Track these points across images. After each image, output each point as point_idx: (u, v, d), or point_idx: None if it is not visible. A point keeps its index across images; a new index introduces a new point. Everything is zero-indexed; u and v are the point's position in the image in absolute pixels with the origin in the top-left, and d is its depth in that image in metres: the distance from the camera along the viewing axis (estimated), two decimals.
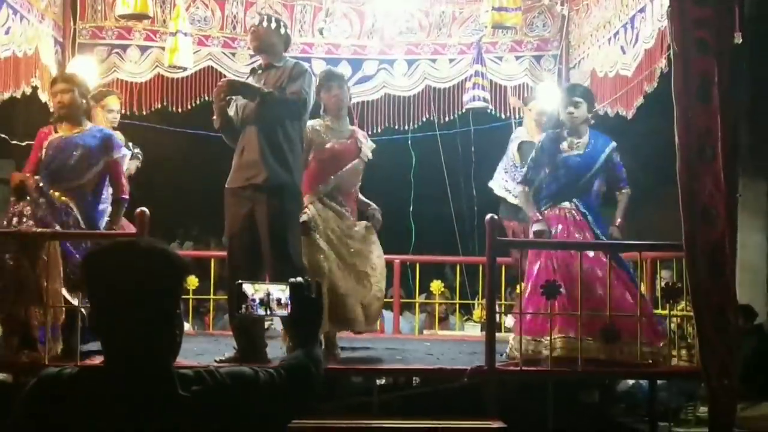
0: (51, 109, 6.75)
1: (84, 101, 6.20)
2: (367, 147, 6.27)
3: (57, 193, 5.91)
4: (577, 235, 6.01)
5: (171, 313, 2.20)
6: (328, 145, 6.09)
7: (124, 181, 6.18)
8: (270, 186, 5.62)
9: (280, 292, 2.48)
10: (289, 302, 2.46)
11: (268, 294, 2.48)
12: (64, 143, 6.07)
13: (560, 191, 6.19)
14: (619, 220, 6.22)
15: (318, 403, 5.04)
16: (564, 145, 6.22)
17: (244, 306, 2.48)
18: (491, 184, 7.76)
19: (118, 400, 2.09)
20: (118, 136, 6.58)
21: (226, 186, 5.80)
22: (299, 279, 2.51)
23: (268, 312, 2.50)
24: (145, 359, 2.14)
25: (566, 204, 6.12)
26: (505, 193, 7.44)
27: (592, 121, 6.34)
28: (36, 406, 2.13)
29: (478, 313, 8.32)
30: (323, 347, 5.86)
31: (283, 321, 5.25)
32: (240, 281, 2.50)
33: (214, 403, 2.17)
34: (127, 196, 6.15)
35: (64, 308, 5.58)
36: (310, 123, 6.03)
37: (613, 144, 6.25)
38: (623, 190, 6.31)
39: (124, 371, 2.13)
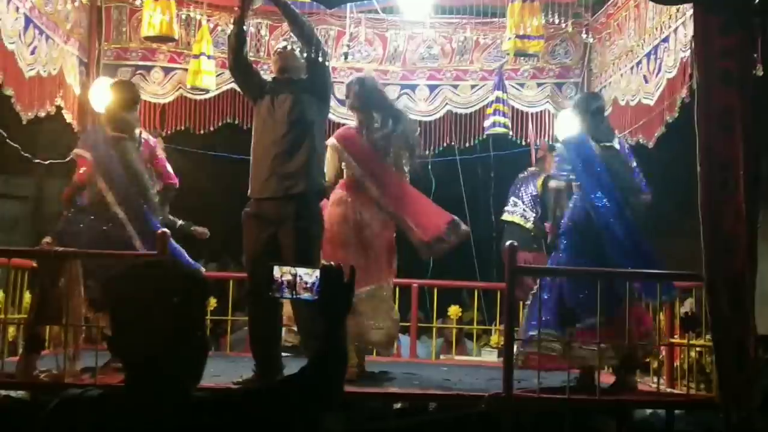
0: (75, 129, 6.89)
1: None
2: None
3: None
4: None
5: (193, 333, 2.20)
6: None
7: None
8: (307, 197, 5.69)
9: (307, 275, 2.46)
10: (318, 287, 2.45)
11: (296, 276, 2.46)
12: None
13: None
14: None
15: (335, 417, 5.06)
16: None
17: (272, 288, 2.48)
18: (505, 216, 7.79)
19: (137, 425, 2.09)
20: None
21: (249, 198, 5.82)
22: (332, 262, 2.50)
23: (294, 295, 2.47)
24: (165, 381, 2.14)
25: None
26: (523, 220, 7.43)
27: None
28: (56, 427, 2.14)
29: (495, 338, 8.31)
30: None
31: (307, 314, 5.31)
32: (272, 263, 2.50)
33: (232, 426, 2.16)
34: None
35: (84, 327, 5.61)
36: None
37: None
38: None
39: (144, 396, 2.13)
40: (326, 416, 2.39)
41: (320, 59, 5.79)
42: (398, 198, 6.19)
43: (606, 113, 7.40)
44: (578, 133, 6.27)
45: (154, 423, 2.09)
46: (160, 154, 6.74)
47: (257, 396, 2.34)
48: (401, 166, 6.28)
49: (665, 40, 6.52)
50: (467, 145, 8.66)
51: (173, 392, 2.15)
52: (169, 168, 6.74)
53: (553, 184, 6.39)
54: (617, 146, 6.18)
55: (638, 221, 6.06)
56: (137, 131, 6.49)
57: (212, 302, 8.06)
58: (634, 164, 6.20)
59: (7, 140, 6.91)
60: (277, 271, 2.47)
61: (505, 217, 7.84)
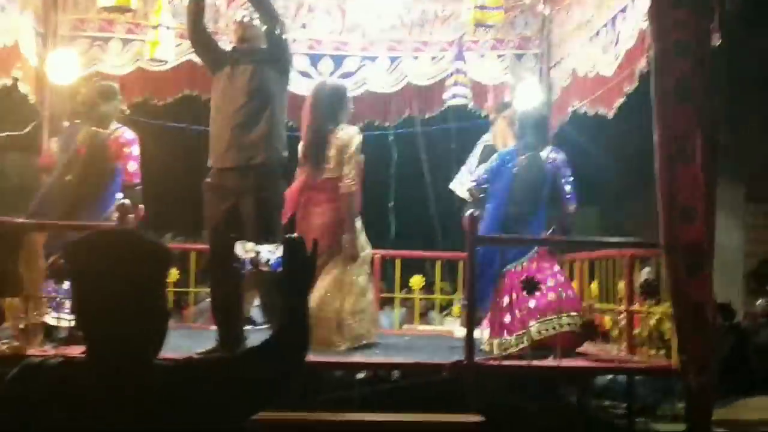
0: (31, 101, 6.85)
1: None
2: None
3: None
4: None
5: (154, 304, 2.20)
6: None
7: None
8: (267, 167, 5.67)
9: (269, 252, 2.47)
10: (281, 260, 2.44)
11: (258, 252, 2.47)
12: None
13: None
14: None
15: (298, 393, 5.07)
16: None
17: (235, 263, 2.49)
18: (452, 185, 7.80)
19: (98, 392, 2.09)
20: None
21: (211, 168, 5.80)
22: (295, 235, 2.51)
23: (257, 269, 2.48)
24: (126, 351, 2.14)
25: None
26: (465, 193, 7.44)
27: None
28: (17, 395, 2.13)
29: (457, 309, 8.36)
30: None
31: (268, 287, 5.33)
32: (233, 236, 2.52)
33: (193, 390, 2.17)
34: None
35: (45, 299, 5.59)
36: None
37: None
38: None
39: (105, 364, 2.13)
40: (287, 387, 2.38)
41: (278, 30, 5.77)
42: None
43: (562, 89, 7.47)
44: (511, 147, 6.62)
45: (116, 389, 2.10)
46: (132, 151, 6.61)
47: (218, 364, 2.35)
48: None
49: (623, 10, 6.54)
50: (427, 116, 8.67)
51: (134, 361, 2.15)
52: (134, 167, 6.60)
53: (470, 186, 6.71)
54: (546, 156, 6.34)
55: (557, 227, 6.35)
56: (113, 126, 6.54)
57: (174, 274, 8.04)
58: (568, 174, 6.35)
59: None
60: (239, 249, 2.48)
61: (459, 193, 7.83)
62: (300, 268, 2.42)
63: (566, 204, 6.34)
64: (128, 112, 7.32)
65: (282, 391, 2.37)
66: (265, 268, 2.47)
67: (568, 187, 6.34)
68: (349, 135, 6.19)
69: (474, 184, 6.56)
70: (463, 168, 7.84)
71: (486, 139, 7.75)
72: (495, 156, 6.64)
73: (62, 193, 6.29)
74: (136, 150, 6.62)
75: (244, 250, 2.49)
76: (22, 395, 2.11)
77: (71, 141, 6.51)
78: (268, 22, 5.76)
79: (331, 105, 6.27)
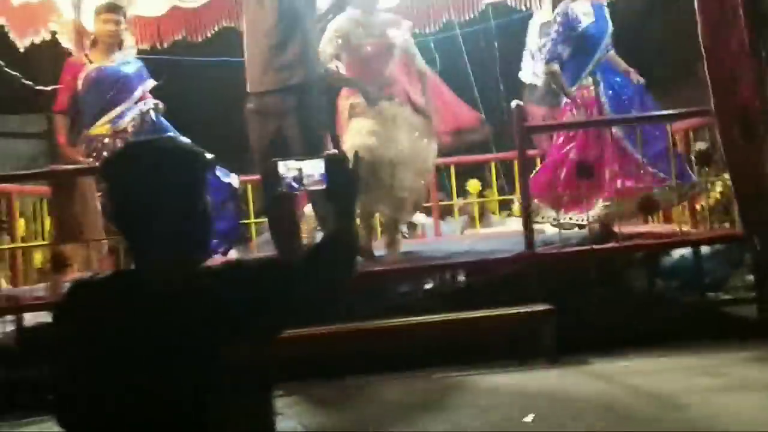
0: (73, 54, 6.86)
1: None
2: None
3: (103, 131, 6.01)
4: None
5: (195, 206, 2.19)
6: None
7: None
8: (306, 86, 5.62)
9: (312, 168, 2.46)
10: (324, 177, 2.45)
11: (300, 170, 2.47)
12: (102, 75, 6.14)
13: (584, 65, 6.10)
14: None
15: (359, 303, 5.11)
16: (579, 14, 6.08)
17: (280, 185, 2.48)
18: (521, 74, 7.63)
19: (148, 297, 2.10)
20: None
21: (248, 94, 5.76)
22: (334, 151, 2.50)
23: (302, 188, 2.48)
24: (171, 256, 2.15)
25: (589, 80, 6.02)
26: (534, 77, 7.28)
27: None
28: (71, 309, 2.16)
29: (517, 207, 8.30)
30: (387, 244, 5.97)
31: (319, 200, 5.33)
32: (275, 159, 2.50)
33: (244, 291, 2.18)
34: None
35: (105, 241, 5.67)
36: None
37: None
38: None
39: (152, 270, 2.15)
40: (337, 296, 2.39)
41: None
42: None
43: None
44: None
45: (163, 295, 2.11)
46: None
47: (267, 265, 2.35)
48: None
49: None
50: (467, 18, 8.50)
51: (180, 265, 2.16)
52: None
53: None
54: None
55: None
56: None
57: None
58: None
59: (5, 68, 6.87)
60: (282, 167, 2.46)
61: (526, 79, 7.65)
62: (343, 182, 2.43)
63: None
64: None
65: (331, 300, 2.38)
66: (311, 184, 2.46)
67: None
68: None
69: (548, 57, 6.26)
70: (524, 54, 7.66)
71: (537, 19, 7.55)
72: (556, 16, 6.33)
73: None
74: None
75: (286, 168, 2.47)
76: (75, 311, 2.14)
77: None
78: None
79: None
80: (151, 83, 6.30)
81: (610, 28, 6.04)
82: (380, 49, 5.97)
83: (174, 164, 2.16)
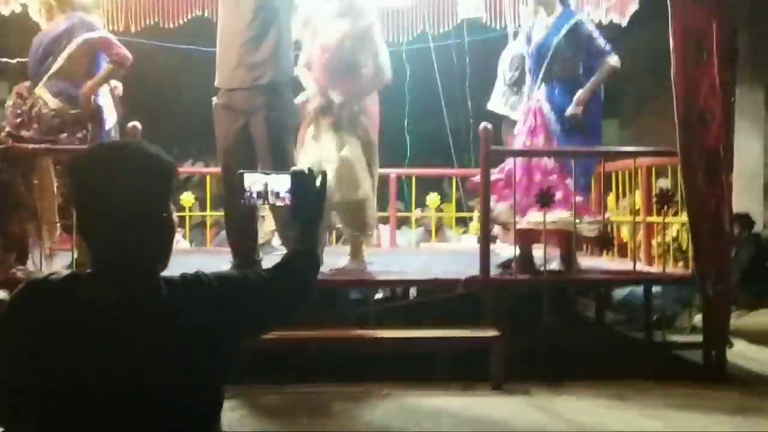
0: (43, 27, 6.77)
1: None
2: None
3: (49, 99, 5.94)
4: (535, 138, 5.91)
5: (159, 215, 2.16)
6: None
7: (121, 50, 6.13)
8: (276, 86, 5.58)
9: (278, 183, 2.44)
10: (290, 193, 2.43)
11: (266, 185, 2.44)
12: (37, 41, 6.19)
13: (531, 80, 6.02)
14: (580, 93, 5.77)
15: (313, 310, 5.08)
16: (535, 30, 6.04)
17: (243, 198, 2.46)
18: (490, 106, 7.60)
19: (104, 303, 2.06)
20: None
21: (218, 89, 5.71)
22: (302, 167, 2.48)
23: (266, 203, 2.46)
24: (132, 262, 2.11)
25: (535, 94, 5.97)
26: (508, 110, 7.23)
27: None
28: (24, 308, 2.11)
29: (475, 226, 8.33)
30: (351, 255, 5.91)
31: (282, 215, 5.30)
32: (242, 171, 2.47)
33: (201, 303, 2.15)
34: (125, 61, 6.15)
35: (58, 224, 5.59)
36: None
37: (576, 17, 5.97)
38: (607, 59, 5.82)
39: (111, 275, 2.11)
40: (297, 308, 2.38)
41: None
42: None
43: None
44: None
45: (122, 301, 2.07)
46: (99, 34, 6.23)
47: (228, 279, 2.32)
48: None
49: None
50: (441, 31, 8.51)
51: (141, 273, 2.12)
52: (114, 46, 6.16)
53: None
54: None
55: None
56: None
57: (189, 200, 8.09)
58: (595, 30, 5.97)
59: None
60: (247, 180, 2.44)
61: (498, 111, 7.59)
62: (309, 200, 2.42)
63: (607, 57, 5.83)
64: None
65: (291, 312, 2.37)
66: (275, 201, 2.44)
67: (601, 42, 5.87)
68: None
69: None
70: (496, 84, 7.65)
71: (509, 51, 7.54)
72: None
73: None
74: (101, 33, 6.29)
75: (251, 181, 2.44)
76: (29, 309, 2.09)
77: None
78: None
79: None
80: (92, 35, 6.16)
81: (557, 39, 5.94)
82: (346, 37, 5.83)
83: (141, 170, 2.13)
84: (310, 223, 2.44)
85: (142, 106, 6.51)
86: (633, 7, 6.66)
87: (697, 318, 6.24)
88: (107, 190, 2.09)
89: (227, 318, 2.17)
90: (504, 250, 6.30)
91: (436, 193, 8.47)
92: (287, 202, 2.42)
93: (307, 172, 2.44)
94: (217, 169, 6.77)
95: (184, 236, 8.31)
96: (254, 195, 2.44)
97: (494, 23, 8.27)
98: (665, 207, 5.70)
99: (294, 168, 2.47)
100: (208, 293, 2.17)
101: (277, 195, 2.43)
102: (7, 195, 5.52)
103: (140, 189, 2.10)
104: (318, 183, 2.44)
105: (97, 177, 2.10)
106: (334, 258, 5.86)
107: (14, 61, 7.45)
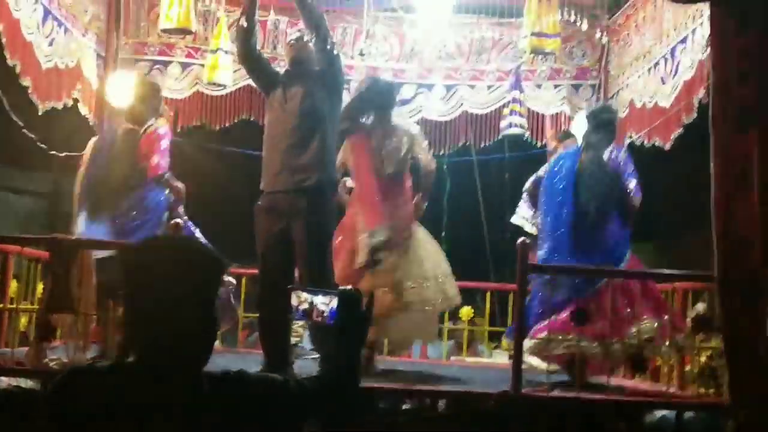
0: (91, 122, 6.96)
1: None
2: None
3: None
4: None
5: (206, 312, 2.18)
6: None
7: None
8: (319, 190, 5.68)
9: (324, 304, 2.43)
10: (335, 313, 2.41)
11: (312, 304, 2.44)
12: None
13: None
14: None
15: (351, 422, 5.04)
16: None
17: (290, 313, 2.47)
18: (514, 220, 7.65)
19: (146, 399, 2.08)
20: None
21: (262, 192, 5.82)
22: (351, 289, 2.47)
23: (310, 321, 2.47)
24: (176, 356, 2.13)
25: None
26: (522, 221, 7.28)
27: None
28: (64, 400, 2.12)
29: (506, 342, 8.25)
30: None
31: (322, 334, 5.30)
32: (291, 286, 2.49)
33: (241, 404, 2.15)
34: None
35: (95, 316, 5.62)
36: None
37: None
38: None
39: (154, 371, 2.11)
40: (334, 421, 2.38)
41: (329, 47, 5.78)
42: None
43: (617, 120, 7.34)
44: (570, 150, 6.46)
45: (164, 396, 2.08)
46: (161, 145, 6.21)
47: (268, 382, 2.32)
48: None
49: (683, 41, 6.49)
50: (483, 145, 8.63)
51: (183, 369, 2.14)
52: (156, 160, 6.15)
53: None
54: (608, 155, 6.13)
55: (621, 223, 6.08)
56: (149, 122, 6.30)
57: None
58: (631, 170, 6.10)
59: (23, 129, 6.90)
60: (294, 299, 2.46)
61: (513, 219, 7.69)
62: (355, 322, 2.43)
63: (630, 199, 6.02)
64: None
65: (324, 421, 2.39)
66: (319, 319, 2.45)
67: (632, 183, 6.03)
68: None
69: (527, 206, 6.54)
70: (521, 202, 7.71)
71: (541, 172, 7.61)
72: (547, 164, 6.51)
73: (89, 190, 6.26)
74: (164, 143, 6.25)
75: (298, 299, 2.46)
76: (70, 400, 2.11)
77: (107, 139, 6.48)
78: (319, 38, 5.77)
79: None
80: None
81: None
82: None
83: (191, 265, 2.16)
84: (352, 346, 2.45)
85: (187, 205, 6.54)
86: (677, 131, 6.69)
87: None
88: (158, 283, 2.12)
89: (265, 420, 2.18)
90: (534, 360, 6.23)
91: (469, 306, 8.42)
92: (329, 322, 2.41)
93: (355, 294, 2.45)
94: (252, 270, 6.80)
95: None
96: (300, 312, 2.45)
97: (536, 141, 8.39)
98: (703, 333, 5.64)
99: (342, 288, 2.46)
100: (248, 393, 2.18)
101: (322, 314, 2.43)
102: (50, 286, 5.58)
103: (190, 284, 2.14)
104: (364, 307, 2.45)
105: (149, 269, 2.14)
106: None
107: (62, 154, 7.65)
